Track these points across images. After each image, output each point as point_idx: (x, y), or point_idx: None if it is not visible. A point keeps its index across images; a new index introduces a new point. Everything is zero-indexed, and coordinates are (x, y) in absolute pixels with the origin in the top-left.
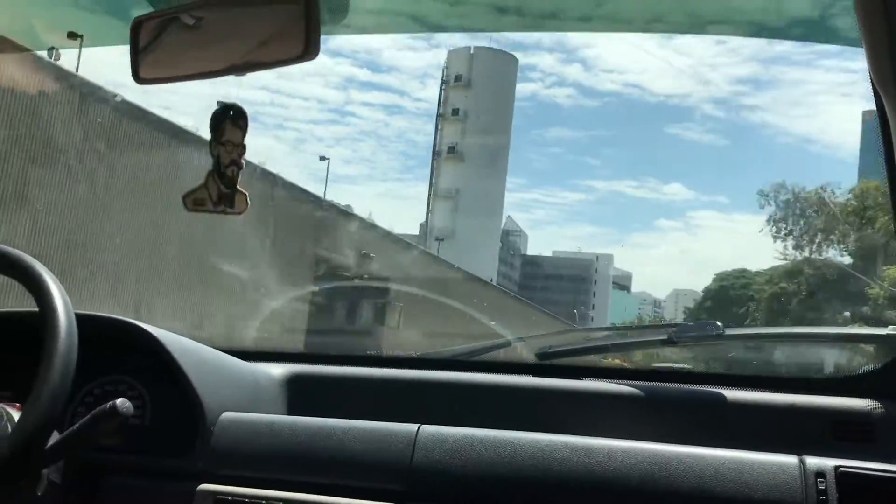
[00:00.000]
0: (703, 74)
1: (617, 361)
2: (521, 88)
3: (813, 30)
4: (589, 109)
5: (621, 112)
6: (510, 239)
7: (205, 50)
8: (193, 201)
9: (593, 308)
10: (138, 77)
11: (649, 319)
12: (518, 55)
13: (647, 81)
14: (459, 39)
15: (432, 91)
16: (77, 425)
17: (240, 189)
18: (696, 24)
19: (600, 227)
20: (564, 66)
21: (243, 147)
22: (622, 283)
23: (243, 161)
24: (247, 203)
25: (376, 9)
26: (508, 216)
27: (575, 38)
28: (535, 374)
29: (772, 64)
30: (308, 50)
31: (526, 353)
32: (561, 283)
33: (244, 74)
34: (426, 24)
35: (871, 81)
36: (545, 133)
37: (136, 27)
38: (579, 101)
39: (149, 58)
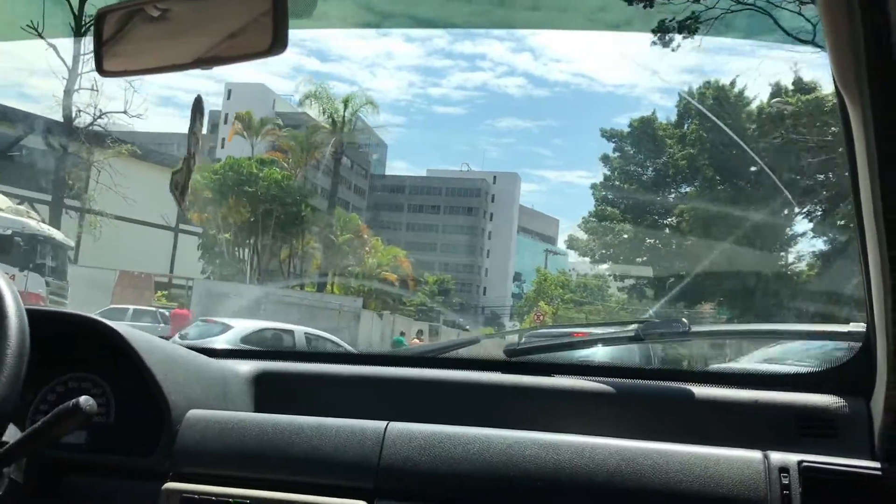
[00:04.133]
0: (650, 64)
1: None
2: (472, 78)
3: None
4: (539, 99)
5: (571, 102)
6: (355, 147)
7: (171, 43)
8: (175, 182)
9: (486, 254)
10: (102, 69)
11: (574, 282)
12: (468, 44)
13: (595, 71)
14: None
15: (382, 81)
16: (39, 423)
17: (191, 183)
18: (641, 14)
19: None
20: (514, 55)
21: (200, 139)
22: (543, 233)
23: (198, 153)
24: (188, 200)
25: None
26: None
27: (523, 24)
28: (503, 371)
29: (716, 54)
30: (276, 44)
31: (495, 350)
32: (431, 216)
33: (211, 68)
34: (365, 19)
35: (834, 83)
36: (497, 123)
37: (100, 19)
38: (529, 91)
39: (113, 50)
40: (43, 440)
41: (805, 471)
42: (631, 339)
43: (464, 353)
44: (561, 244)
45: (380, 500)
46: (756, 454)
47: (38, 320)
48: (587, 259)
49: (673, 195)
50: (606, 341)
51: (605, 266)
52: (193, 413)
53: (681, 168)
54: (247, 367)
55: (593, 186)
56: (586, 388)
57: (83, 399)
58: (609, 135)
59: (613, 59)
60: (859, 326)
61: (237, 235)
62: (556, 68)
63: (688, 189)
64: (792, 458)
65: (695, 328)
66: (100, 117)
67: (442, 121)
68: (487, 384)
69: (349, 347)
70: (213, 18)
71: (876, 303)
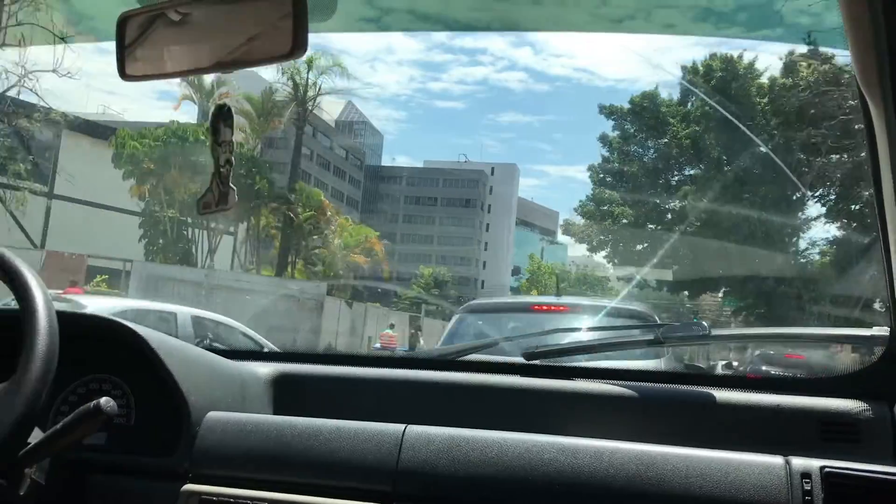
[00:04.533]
0: (652, 58)
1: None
2: (473, 72)
3: (768, 23)
4: (540, 94)
5: (572, 97)
6: (350, 138)
7: (192, 46)
8: (204, 205)
9: (484, 247)
10: (124, 74)
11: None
12: (468, 39)
13: (596, 66)
14: (410, 24)
15: (383, 75)
16: (60, 424)
17: (232, 186)
18: (644, 9)
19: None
20: (515, 49)
21: (232, 144)
22: (542, 226)
23: (233, 158)
24: (236, 199)
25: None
26: (350, 101)
27: (524, 21)
28: (522, 374)
29: (717, 48)
30: (296, 47)
31: (513, 353)
32: (427, 207)
33: (231, 71)
34: (382, 24)
35: (857, 84)
36: (497, 118)
37: (122, 23)
38: (530, 86)
39: (135, 54)
40: (64, 441)
41: (828, 476)
42: (650, 343)
43: (482, 355)
44: (561, 237)
45: (398, 503)
46: (778, 459)
47: (60, 322)
48: (584, 245)
49: (677, 177)
50: (625, 344)
51: (603, 253)
52: (213, 415)
53: (685, 147)
54: (265, 369)
55: (590, 168)
56: (605, 391)
57: (104, 400)
58: (608, 111)
59: (614, 54)
60: (883, 330)
61: (183, 212)
62: (556, 63)
63: (692, 171)
64: (814, 464)
65: (715, 331)
66: (25, 76)
67: (443, 115)
68: (506, 387)
69: (261, 339)
70: (234, 22)
71: None
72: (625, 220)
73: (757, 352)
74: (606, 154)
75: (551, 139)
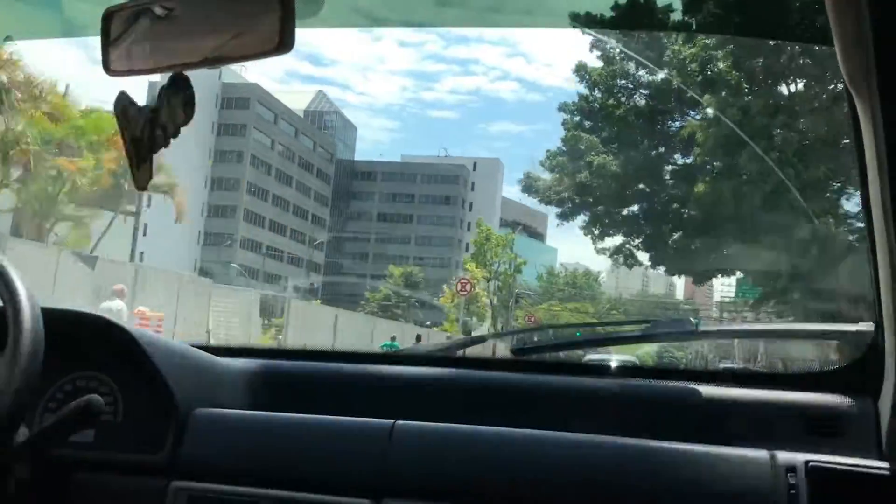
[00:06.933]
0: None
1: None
2: (465, 82)
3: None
4: (532, 103)
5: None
6: (323, 131)
7: (178, 42)
8: (132, 138)
9: (466, 247)
10: (109, 69)
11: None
12: (461, 48)
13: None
14: (402, 33)
15: (376, 84)
16: (48, 422)
17: (151, 164)
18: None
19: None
20: (508, 59)
21: (178, 130)
22: (527, 226)
23: (169, 142)
24: (146, 186)
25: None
26: (320, 90)
27: (518, 32)
28: (511, 370)
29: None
30: (282, 43)
31: (502, 349)
32: (404, 204)
33: (218, 67)
34: (369, 18)
35: (844, 82)
36: (489, 127)
37: (108, 18)
38: (522, 96)
39: (120, 49)
40: (52, 439)
41: (812, 470)
42: (639, 339)
43: (471, 351)
44: (549, 237)
45: (386, 499)
46: (763, 453)
47: (46, 318)
48: (553, 210)
49: (677, 122)
50: (614, 340)
51: (580, 220)
52: (200, 411)
53: (691, 76)
54: (253, 365)
55: (562, 106)
56: (593, 386)
57: (91, 397)
58: (583, 21)
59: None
60: (868, 326)
61: None
62: (548, 72)
63: (698, 114)
64: (799, 458)
65: (702, 328)
66: None
67: (435, 124)
68: (494, 383)
69: None
70: (220, 18)
71: (884, 302)
72: (608, 173)
73: None
74: (585, 91)
75: (544, 148)
